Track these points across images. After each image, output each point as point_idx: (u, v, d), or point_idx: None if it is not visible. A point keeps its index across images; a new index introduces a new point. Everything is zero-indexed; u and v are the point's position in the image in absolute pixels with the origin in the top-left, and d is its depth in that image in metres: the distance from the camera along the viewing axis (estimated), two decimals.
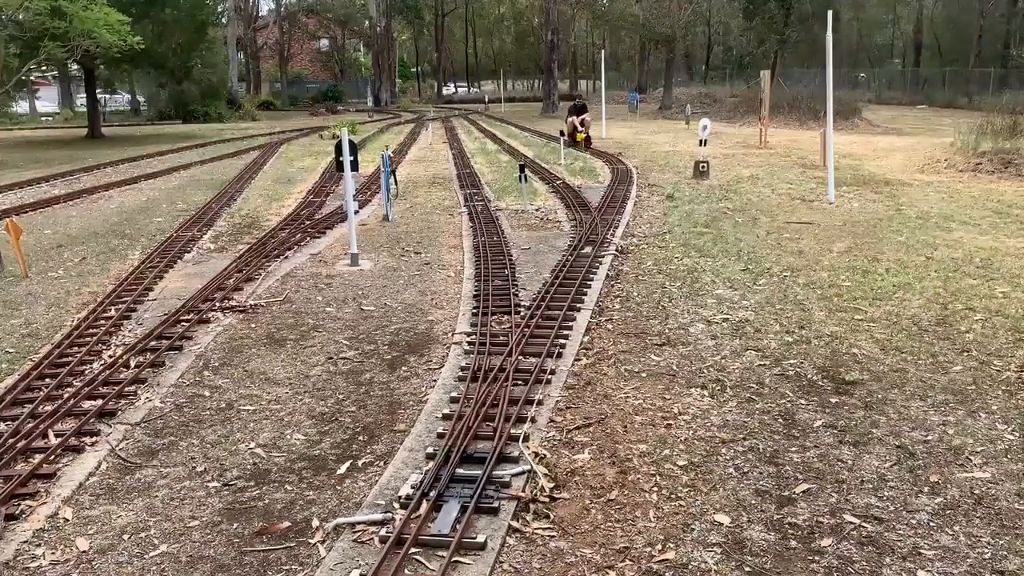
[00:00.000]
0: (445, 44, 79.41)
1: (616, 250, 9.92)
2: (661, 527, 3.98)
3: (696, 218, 12.04)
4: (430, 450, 4.75)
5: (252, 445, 5.03)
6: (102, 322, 7.46)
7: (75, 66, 35.27)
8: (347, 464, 4.77)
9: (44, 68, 34.31)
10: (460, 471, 4.41)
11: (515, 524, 4.01)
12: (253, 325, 7.44)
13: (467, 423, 4.95)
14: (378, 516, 4.07)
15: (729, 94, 41.85)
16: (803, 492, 4.26)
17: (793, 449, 4.74)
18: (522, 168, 14.33)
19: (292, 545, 3.95)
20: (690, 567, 3.66)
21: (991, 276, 8.34)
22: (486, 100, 58.83)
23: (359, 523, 4.04)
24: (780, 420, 5.13)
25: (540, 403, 5.39)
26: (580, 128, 23.51)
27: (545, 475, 4.43)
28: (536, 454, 4.67)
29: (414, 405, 5.59)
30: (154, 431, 5.27)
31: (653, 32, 46.33)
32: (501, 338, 6.63)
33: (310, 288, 8.70)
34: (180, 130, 38.11)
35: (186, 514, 4.25)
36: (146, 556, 3.89)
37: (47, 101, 59.98)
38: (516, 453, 4.66)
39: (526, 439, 4.83)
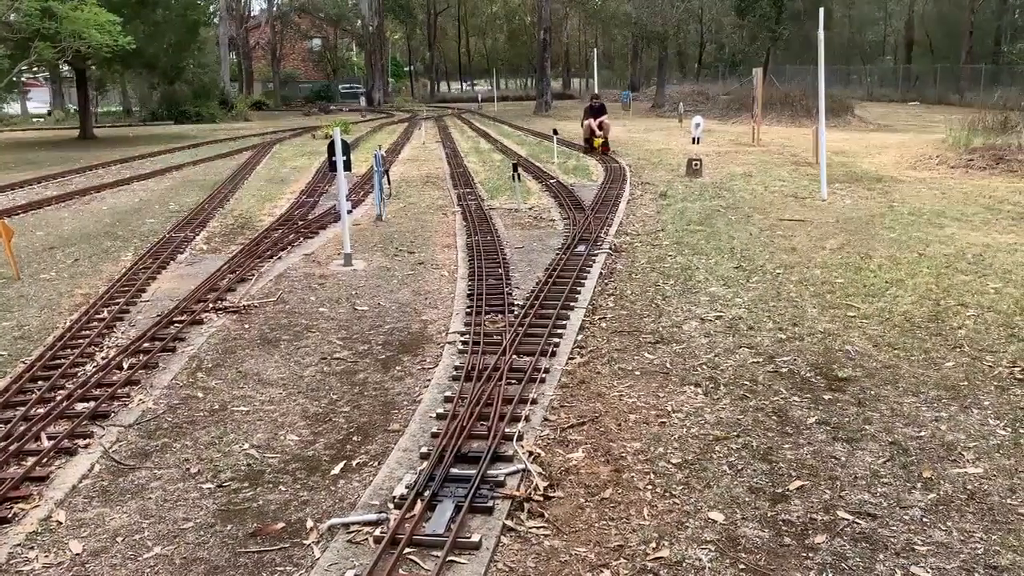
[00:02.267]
0: (438, 43, 79.35)
1: (610, 248, 9.93)
2: (655, 525, 3.98)
3: (689, 216, 12.05)
4: (424, 450, 4.75)
5: (246, 446, 5.02)
6: (95, 324, 7.44)
7: (66, 67, 35.13)
8: (341, 464, 4.76)
9: (35, 69, 34.18)
10: (454, 471, 4.41)
11: (510, 523, 4.01)
12: (246, 326, 7.42)
13: (461, 422, 4.94)
14: (372, 516, 4.06)
15: (722, 92, 41.89)
16: (797, 489, 4.27)
17: (787, 446, 4.75)
18: (515, 167, 14.32)
19: (286, 546, 3.95)
20: (684, 565, 3.66)
21: (983, 272, 8.37)
22: (479, 99, 58.87)
23: (353, 523, 4.03)
24: (773, 417, 5.14)
25: (534, 402, 5.39)
26: (598, 132, 21.05)
27: (539, 474, 4.43)
28: (530, 453, 4.67)
29: (408, 405, 5.59)
30: (147, 433, 5.25)
31: (645, 30, 46.37)
32: (495, 337, 6.64)
33: (304, 288, 8.69)
34: (172, 131, 38.01)
35: (180, 516, 4.24)
36: (140, 558, 3.88)
37: (38, 102, 59.78)
38: (510, 452, 4.66)
39: (520, 438, 4.83)
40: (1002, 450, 4.62)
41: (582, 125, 22.13)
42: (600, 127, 21.13)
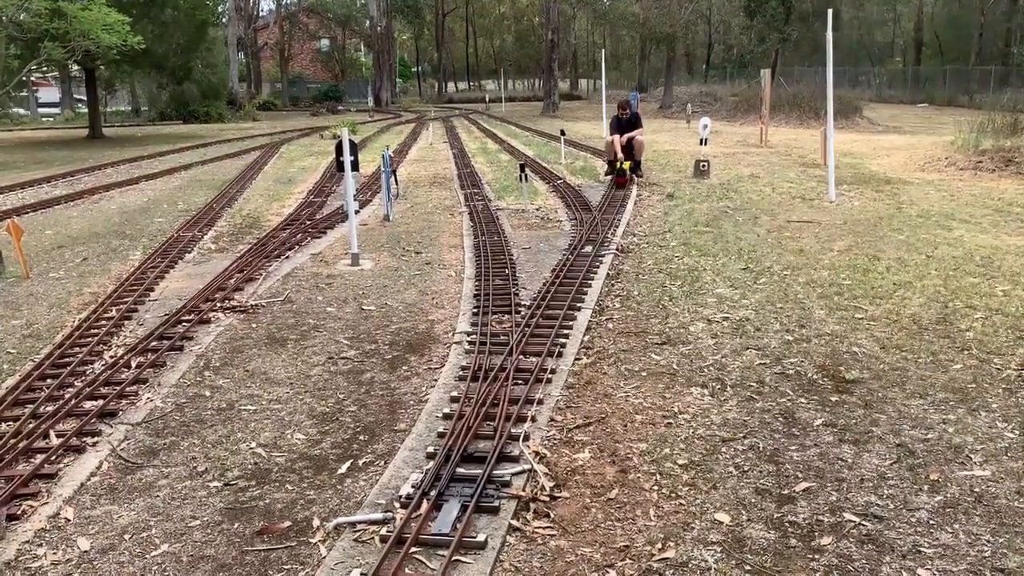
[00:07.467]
0: (446, 44, 79.48)
1: (616, 249, 9.92)
2: (661, 526, 3.98)
3: (697, 217, 12.04)
4: (431, 449, 4.75)
5: (253, 445, 5.04)
6: (103, 322, 7.47)
7: (75, 67, 35.29)
8: (348, 464, 4.77)
9: (44, 69, 34.36)
10: (460, 470, 4.41)
11: (515, 523, 4.02)
12: (254, 325, 7.45)
13: (467, 422, 4.95)
14: (378, 515, 4.07)
15: (730, 93, 41.85)
16: (803, 490, 4.26)
17: (793, 448, 4.74)
18: (522, 167, 14.34)
19: (293, 544, 3.96)
20: (690, 565, 3.66)
21: (992, 274, 8.34)
22: (486, 100, 58.94)
23: (360, 522, 4.04)
24: (780, 419, 5.13)
25: (540, 402, 5.39)
26: (620, 155, 15.24)
27: (545, 474, 4.43)
28: (536, 453, 4.67)
29: (414, 404, 5.60)
30: (155, 431, 5.27)
31: (653, 31, 46.36)
32: (501, 337, 6.64)
33: (311, 288, 8.71)
34: (181, 130, 38.15)
35: (187, 514, 4.26)
36: (147, 556, 3.90)
37: (48, 101, 60.08)
38: (516, 452, 4.67)
39: (526, 438, 4.83)
40: (1010, 453, 4.60)
41: (604, 141, 17.26)
42: (628, 144, 15.56)
